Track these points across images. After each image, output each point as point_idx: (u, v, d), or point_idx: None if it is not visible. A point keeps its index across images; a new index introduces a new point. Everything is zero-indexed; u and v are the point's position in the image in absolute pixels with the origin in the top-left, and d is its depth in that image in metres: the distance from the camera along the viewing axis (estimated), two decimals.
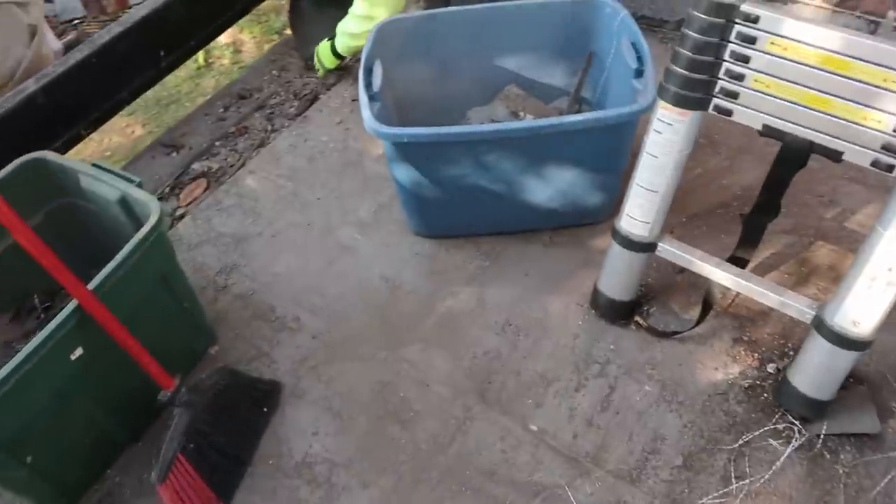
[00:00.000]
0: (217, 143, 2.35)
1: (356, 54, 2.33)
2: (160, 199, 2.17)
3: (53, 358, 1.25)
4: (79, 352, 1.30)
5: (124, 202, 1.47)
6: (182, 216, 2.09)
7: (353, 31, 2.19)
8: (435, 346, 1.70)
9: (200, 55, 3.14)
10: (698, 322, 1.64)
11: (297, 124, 2.36)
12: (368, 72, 1.79)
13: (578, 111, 2.01)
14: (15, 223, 1.18)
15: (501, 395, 1.61)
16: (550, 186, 1.76)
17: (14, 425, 1.24)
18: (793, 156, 1.25)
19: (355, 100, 2.40)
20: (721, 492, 1.43)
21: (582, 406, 1.57)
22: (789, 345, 1.64)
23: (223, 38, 3.22)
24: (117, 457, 1.56)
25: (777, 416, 1.52)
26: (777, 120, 1.22)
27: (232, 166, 2.25)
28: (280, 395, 1.64)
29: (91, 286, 1.27)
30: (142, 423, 1.58)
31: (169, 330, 1.56)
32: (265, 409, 1.60)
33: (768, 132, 1.24)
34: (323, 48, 2.40)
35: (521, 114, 2.05)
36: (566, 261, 1.86)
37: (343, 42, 2.29)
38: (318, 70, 2.51)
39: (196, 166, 2.27)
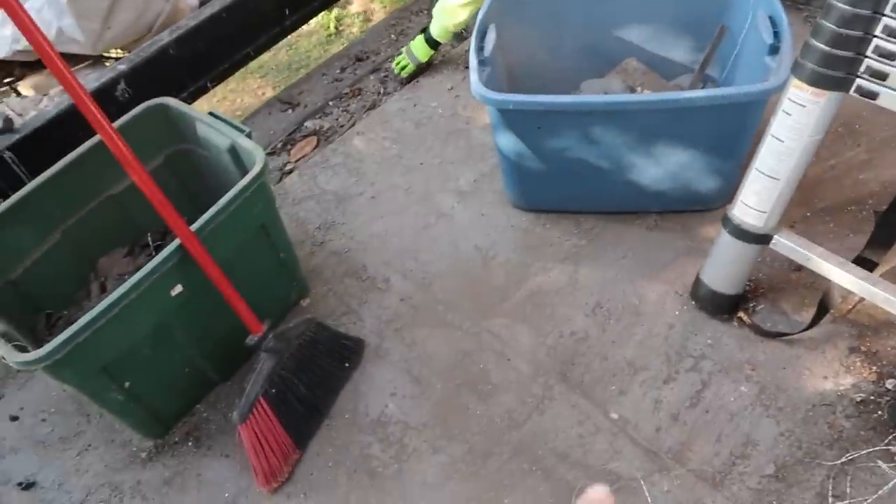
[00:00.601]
0: (331, 103, 2.40)
1: (451, 39, 2.28)
2: (272, 153, 2.26)
3: (155, 292, 1.33)
4: (178, 289, 1.37)
5: (233, 151, 1.52)
6: (290, 171, 2.16)
7: (456, 2, 2.10)
8: (521, 321, 1.67)
9: (332, 23, 3.22)
10: (811, 325, 1.50)
11: (408, 89, 2.36)
12: (482, 35, 1.75)
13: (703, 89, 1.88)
14: (132, 163, 1.26)
15: (584, 377, 1.55)
16: (661, 167, 1.65)
17: (116, 351, 1.33)
18: None
19: (468, 68, 2.36)
20: None
21: (669, 399, 1.49)
22: None
23: (355, 7, 3.28)
24: (207, 393, 1.65)
25: (891, 437, 1.37)
26: None
27: (342, 126, 2.29)
28: (363, 352, 1.67)
29: (193, 227, 1.33)
30: (232, 363, 1.66)
31: (264, 278, 1.62)
32: (347, 365, 1.63)
33: None
34: (416, 42, 2.30)
35: (639, 89, 1.94)
36: (670, 247, 1.75)
37: (441, 22, 2.17)
38: (403, 69, 2.35)
39: (309, 124, 2.33)
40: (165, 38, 2.07)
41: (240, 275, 1.45)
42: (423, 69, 2.36)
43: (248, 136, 1.51)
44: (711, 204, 1.78)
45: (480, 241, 1.84)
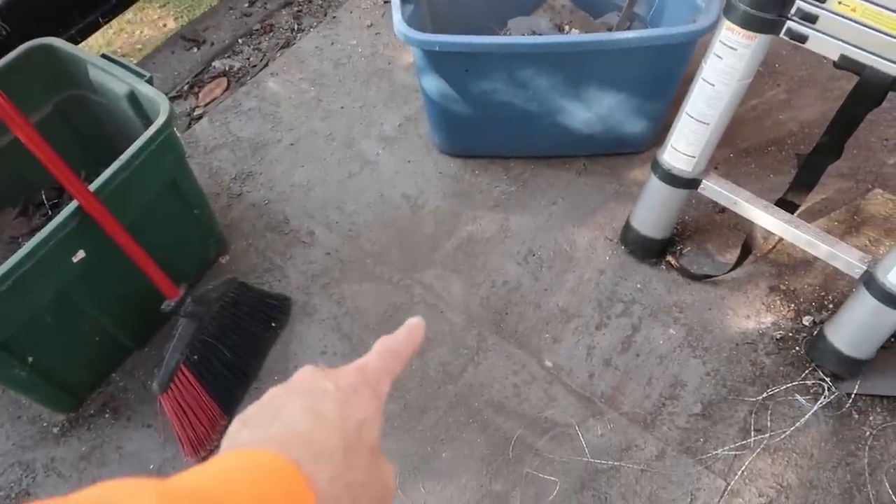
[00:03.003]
0: (240, 41, 2.22)
1: None
2: (178, 97, 2.08)
3: (54, 259, 1.20)
4: (81, 254, 1.25)
5: (133, 98, 1.38)
6: (199, 117, 2.00)
7: None
8: (452, 271, 1.63)
9: None
10: (735, 266, 1.54)
11: (324, 25, 2.21)
12: None
13: (629, 28, 1.84)
14: (11, 114, 1.11)
15: (518, 327, 1.54)
16: (590, 110, 1.62)
17: (14, 324, 1.21)
18: (870, 92, 1.11)
19: (388, 1, 2.23)
20: (738, 444, 1.37)
21: (601, 345, 1.50)
22: (829, 297, 1.54)
23: None
24: (123, 360, 1.55)
25: (807, 372, 1.44)
26: (858, 50, 1.07)
27: (254, 66, 2.13)
28: (290, 311, 1.59)
29: (93, 187, 1.21)
30: (149, 328, 1.55)
31: (177, 237, 1.50)
32: (274, 325, 1.56)
33: (845, 64, 1.09)
34: None
35: (566, 28, 1.88)
36: (599, 191, 1.74)
37: None
38: None
39: (217, 64, 2.15)
40: None
41: (150, 236, 1.34)
42: None
43: (149, 81, 1.36)
44: (640, 146, 1.77)
45: (408, 190, 1.78)
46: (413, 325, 0.43)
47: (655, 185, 1.47)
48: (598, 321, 1.54)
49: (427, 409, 1.44)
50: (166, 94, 2.09)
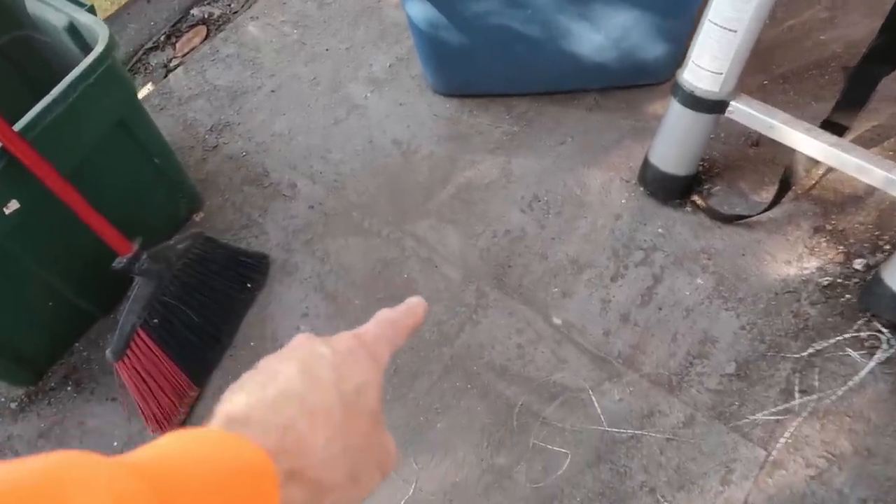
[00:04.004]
0: None
1: None
2: (155, 48, 1.92)
3: None
4: (14, 205, 1.10)
5: (73, 30, 1.22)
6: (176, 67, 1.84)
7: None
8: (448, 221, 1.45)
9: None
10: (772, 205, 1.33)
11: None
12: None
13: None
14: None
15: (522, 281, 1.36)
16: (601, 32, 1.41)
17: None
18: None
19: None
20: (780, 407, 1.17)
21: (618, 298, 1.31)
22: (885, 237, 1.32)
23: None
24: (87, 329, 1.40)
25: (861, 323, 1.23)
26: None
27: (235, 12, 1.96)
28: (268, 270, 1.43)
29: (18, 126, 1.05)
30: (112, 293, 1.40)
31: (136, 190, 1.34)
32: (249, 286, 1.40)
33: None
34: None
35: None
36: (613, 128, 1.54)
37: None
38: None
39: (195, 11, 1.98)
40: None
41: (101, 186, 1.18)
42: None
43: (91, 10, 1.20)
44: (660, 76, 1.56)
45: (399, 135, 1.60)
46: (413, 303, 0.42)
47: (676, 111, 1.26)
48: (614, 272, 1.34)
49: (419, 374, 1.27)
50: (142, 46, 1.95)
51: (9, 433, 1.31)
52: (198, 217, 1.53)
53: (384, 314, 0.40)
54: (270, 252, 1.45)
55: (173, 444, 0.29)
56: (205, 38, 1.92)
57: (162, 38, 1.94)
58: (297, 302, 1.39)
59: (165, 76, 1.82)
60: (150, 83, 1.83)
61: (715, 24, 1.12)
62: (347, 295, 1.38)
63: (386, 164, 1.55)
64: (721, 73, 1.17)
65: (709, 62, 1.17)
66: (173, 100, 1.74)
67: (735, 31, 1.11)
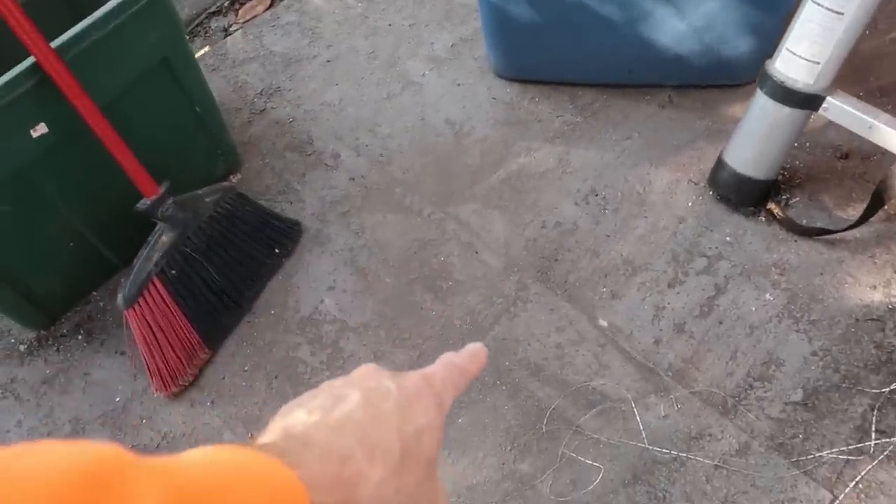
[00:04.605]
0: None
1: None
2: (217, 13, 1.89)
3: (7, 126, 1.00)
4: (42, 128, 1.04)
5: None
6: (235, 31, 1.80)
7: None
8: (495, 207, 1.35)
9: None
10: (860, 222, 1.18)
11: None
12: None
13: None
14: None
15: (569, 277, 1.24)
16: (683, 18, 1.30)
17: None
18: None
19: None
20: (852, 446, 1.02)
21: (673, 306, 1.18)
22: None
23: None
24: (106, 279, 1.34)
25: None
26: None
27: None
28: (299, 237, 1.35)
29: (55, 44, 1.00)
30: (135, 244, 1.33)
31: (174, 136, 1.29)
32: (277, 251, 1.32)
33: None
34: None
35: None
36: (686, 128, 1.42)
37: None
38: None
39: None
40: None
41: (136, 127, 1.13)
42: None
43: None
44: (743, 76, 1.43)
45: (454, 115, 1.51)
46: (476, 349, 0.40)
47: (762, 104, 1.14)
48: (672, 277, 1.22)
49: None
50: (206, 9, 1.92)
51: (13, 375, 1.25)
52: (235, 178, 1.46)
53: (449, 358, 0.38)
54: (304, 220, 1.37)
55: (215, 459, 0.26)
56: (268, 7, 1.88)
57: (226, 4, 1.91)
58: (325, 274, 1.30)
59: (224, 38, 1.78)
60: (207, 46, 1.79)
61: (819, 4, 1.00)
62: (378, 272, 1.29)
63: (436, 143, 1.46)
64: (818, 63, 1.05)
65: (806, 49, 1.05)
66: (227, 61, 1.69)
67: (841, 15, 0.99)
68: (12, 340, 1.30)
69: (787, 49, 1.07)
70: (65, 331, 1.30)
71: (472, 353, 0.39)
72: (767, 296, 1.17)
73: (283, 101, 1.59)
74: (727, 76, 1.44)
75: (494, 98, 1.52)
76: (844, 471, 1.00)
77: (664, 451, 1.04)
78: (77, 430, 1.18)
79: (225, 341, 1.24)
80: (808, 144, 1.33)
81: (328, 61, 1.66)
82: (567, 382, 1.12)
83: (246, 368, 1.21)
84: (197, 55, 1.73)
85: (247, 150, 1.50)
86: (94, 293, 1.34)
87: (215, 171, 1.43)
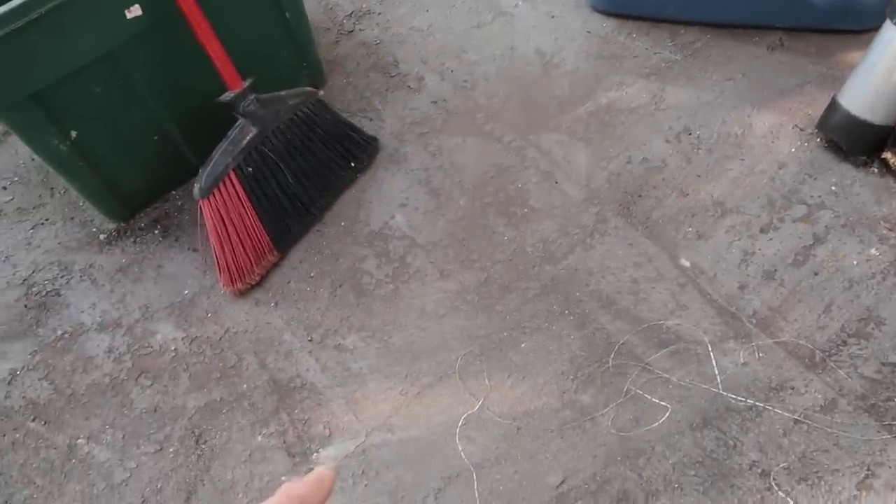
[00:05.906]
0: None
1: None
2: None
3: (104, 7, 1.01)
4: (136, 10, 1.05)
5: None
6: None
7: None
8: (579, 139, 1.29)
9: None
10: None
11: None
12: None
13: None
14: None
15: (652, 213, 1.17)
16: None
17: (49, 70, 1.03)
18: None
19: None
20: None
21: (765, 252, 1.10)
22: None
23: None
24: (185, 178, 1.36)
25: None
26: None
27: None
28: (376, 153, 1.33)
29: None
30: (214, 145, 1.34)
31: (262, 43, 1.28)
32: (353, 165, 1.30)
33: None
34: None
35: None
36: (797, 72, 1.31)
37: None
38: None
39: None
40: None
41: (226, 22, 1.12)
42: None
43: None
44: (865, 22, 1.31)
45: (544, 46, 1.45)
46: (322, 475, 0.35)
47: (890, 37, 1.03)
48: (766, 222, 1.13)
49: (513, 289, 1.12)
50: None
51: (92, 261, 1.29)
52: (318, 93, 1.45)
53: (288, 489, 0.34)
54: (382, 138, 1.35)
55: None
56: None
57: None
58: (399, 191, 1.28)
59: None
60: None
61: None
62: (452, 193, 1.25)
63: (523, 72, 1.41)
64: None
65: None
66: None
67: None
68: (94, 229, 1.34)
69: None
70: (143, 224, 1.33)
71: (317, 481, 0.36)
72: (873, 250, 1.07)
73: (372, 24, 1.57)
74: (847, 20, 1.32)
75: (589, 31, 1.45)
76: None
77: (739, 398, 0.97)
78: (146, 316, 1.20)
79: (294, 247, 1.24)
80: None
81: None
82: (640, 318, 1.06)
83: (312, 275, 1.21)
84: None
85: (331, 68, 1.49)
86: (174, 192, 1.36)
87: (299, 84, 1.42)
